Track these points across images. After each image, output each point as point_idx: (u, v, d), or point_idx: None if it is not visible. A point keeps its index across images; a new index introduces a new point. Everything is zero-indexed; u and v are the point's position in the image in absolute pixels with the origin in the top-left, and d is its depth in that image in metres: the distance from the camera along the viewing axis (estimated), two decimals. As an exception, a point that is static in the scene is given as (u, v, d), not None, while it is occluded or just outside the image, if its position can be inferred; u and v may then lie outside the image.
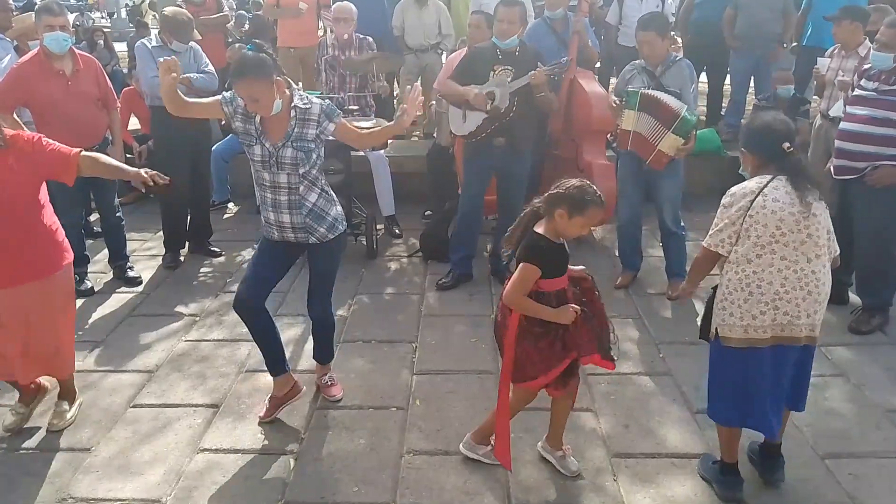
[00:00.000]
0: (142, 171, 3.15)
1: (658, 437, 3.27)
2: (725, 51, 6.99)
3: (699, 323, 2.95)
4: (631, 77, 4.52)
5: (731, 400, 2.82)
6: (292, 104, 3.04)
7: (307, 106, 3.06)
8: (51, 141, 3.09)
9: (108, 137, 4.69)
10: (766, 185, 2.62)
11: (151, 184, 3.13)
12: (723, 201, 2.71)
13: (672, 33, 4.56)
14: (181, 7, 7.16)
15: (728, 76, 7.43)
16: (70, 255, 3.26)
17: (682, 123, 4.13)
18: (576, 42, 5.22)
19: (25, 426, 3.33)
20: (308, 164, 3.07)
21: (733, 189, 2.70)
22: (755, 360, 2.73)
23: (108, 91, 4.60)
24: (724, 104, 7.61)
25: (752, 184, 2.66)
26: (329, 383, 3.59)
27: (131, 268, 5.00)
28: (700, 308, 4.41)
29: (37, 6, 4.50)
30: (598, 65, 7.50)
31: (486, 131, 4.50)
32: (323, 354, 3.60)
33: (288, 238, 3.21)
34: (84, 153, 3.11)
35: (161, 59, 2.97)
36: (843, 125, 4.13)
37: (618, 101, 4.47)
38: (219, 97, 3.14)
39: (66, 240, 3.26)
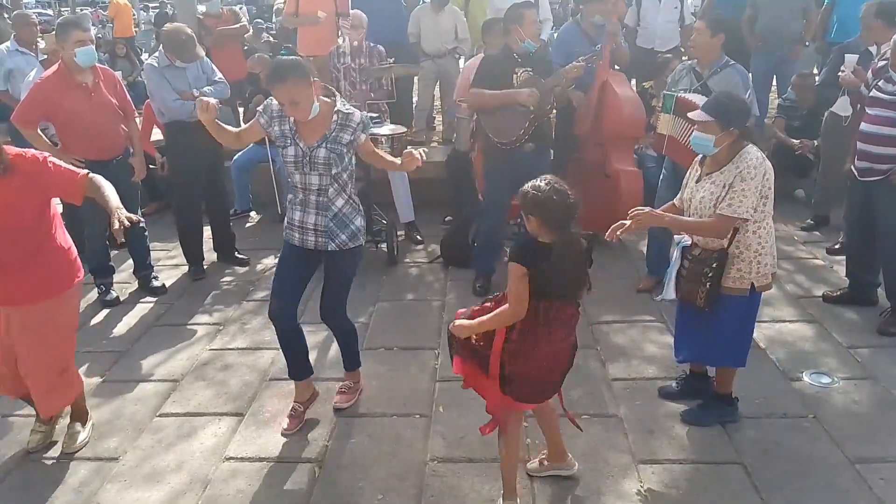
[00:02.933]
0: (121, 213, 2.89)
1: (684, 443, 3.24)
2: (746, 51, 6.92)
3: (705, 295, 3.07)
4: (680, 77, 4.45)
5: (748, 342, 3.25)
6: (335, 108, 3.09)
7: (349, 112, 3.12)
8: (58, 161, 3.00)
9: (130, 149, 4.73)
10: (759, 152, 2.99)
11: (118, 227, 2.83)
12: (743, 175, 2.92)
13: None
14: (198, 17, 7.25)
15: (750, 76, 7.35)
16: (81, 273, 3.20)
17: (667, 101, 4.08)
18: (609, 45, 5.17)
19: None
20: (340, 165, 3.11)
21: (749, 163, 2.94)
22: (759, 299, 3.19)
23: (126, 102, 4.65)
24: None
25: (756, 153, 2.97)
26: (342, 390, 3.59)
27: (156, 277, 5.06)
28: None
29: (61, 21, 4.55)
30: (615, 67, 7.48)
31: (528, 133, 4.42)
32: (347, 361, 3.62)
33: (307, 242, 3.22)
34: (92, 176, 3.03)
35: (196, 98, 3.14)
36: (863, 127, 4.07)
37: (655, 104, 4.43)
38: (253, 120, 3.24)
39: (78, 258, 3.20)
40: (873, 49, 5.00)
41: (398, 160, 3.29)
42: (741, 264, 3.05)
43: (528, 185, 2.59)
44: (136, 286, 5.07)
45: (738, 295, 3.08)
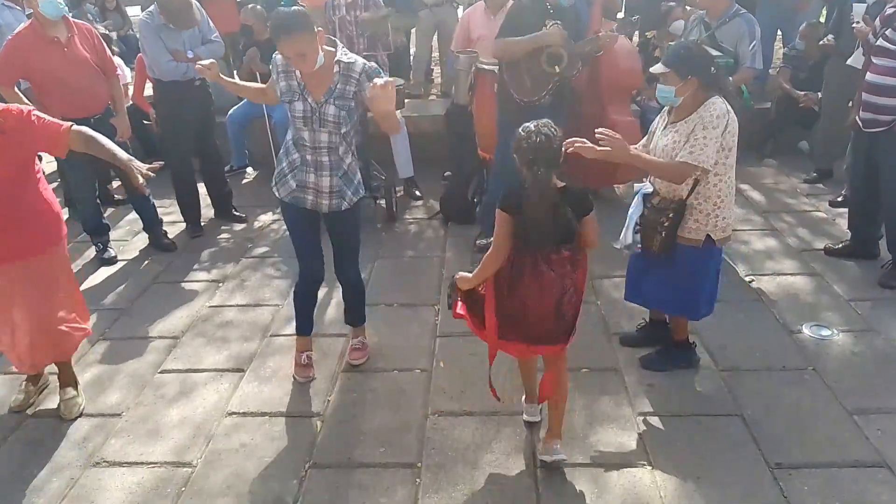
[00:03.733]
0: (135, 164, 2.89)
1: (684, 396, 3.25)
2: (752, 1, 6.76)
3: (659, 242, 3.11)
4: (691, 29, 4.39)
5: (709, 294, 3.28)
6: (336, 58, 2.95)
7: (351, 61, 2.97)
8: (41, 115, 2.90)
9: (112, 108, 4.59)
10: (726, 105, 2.95)
11: (141, 180, 2.87)
12: (704, 123, 2.92)
13: None
14: None
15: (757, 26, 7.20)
16: (64, 230, 3.14)
17: None
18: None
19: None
20: (349, 123, 3.02)
21: (712, 112, 2.92)
22: (719, 253, 3.23)
23: (105, 58, 4.50)
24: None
25: (720, 104, 2.95)
26: (356, 346, 3.59)
27: (166, 233, 5.04)
28: (735, 260, 4.37)
29: None
30: (620, 14, 7.32)
31: (548, 92, 4.28)
32: (356, 317, 3.61)
33: (321, 206, 3.15)
34: (76, 128, 2.90)
35: (194, 63, 3.09)
36: (868, 77, 3.99)
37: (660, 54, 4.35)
38: (271, 80, 3.13)
39: (61, 215, 3.13)
40: None
41: (392, 121, 3.01)
42: (699, 216, 3.07)
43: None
44: (134, 244, 5.05)
45: (693, 246, 3.10)
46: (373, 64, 3.01)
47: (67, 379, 3.34)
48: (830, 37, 5.40)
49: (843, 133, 5.04)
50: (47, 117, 2.93)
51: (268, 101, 3.34)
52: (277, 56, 3.01)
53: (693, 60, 2.96)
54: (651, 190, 3.20)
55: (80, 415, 3.26)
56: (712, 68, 3.01)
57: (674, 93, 2.98)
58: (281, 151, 3.20)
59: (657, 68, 3.01)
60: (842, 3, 5.33)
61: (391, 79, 2.85)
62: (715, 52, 4.07)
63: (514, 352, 2.85)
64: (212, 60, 3.11)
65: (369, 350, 3.62)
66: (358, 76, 2.95)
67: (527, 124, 2.62)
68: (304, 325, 3.51)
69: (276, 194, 3.21)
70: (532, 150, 2.54)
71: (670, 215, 3.06)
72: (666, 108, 3.19)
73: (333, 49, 2.97)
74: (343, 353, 3.64)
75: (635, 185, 3.32)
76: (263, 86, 3.28)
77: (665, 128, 3.13)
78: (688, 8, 4.57)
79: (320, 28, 2.87)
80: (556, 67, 4.16)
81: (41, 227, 3.02)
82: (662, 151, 3.06)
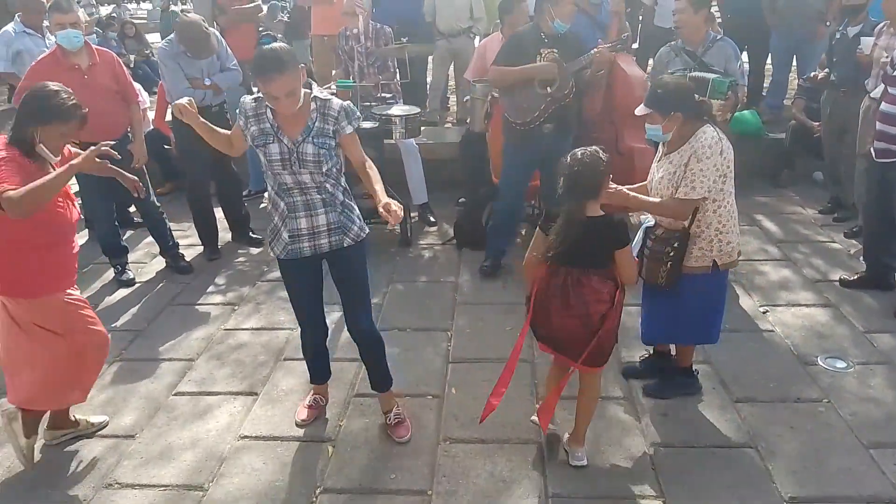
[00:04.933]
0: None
1: (698, 426, 3.23)
2: (766, 30, 6.81)
3: (665, 274, 3.10)
4: (669, 60, 4.43)
5: (719, 319, 3.27)
6: (312, 95, 2.79)
7: (327, 99, 2.81)
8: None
9: (129, 135, 4.66)
10: (717, 132, 2.99)
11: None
12: (698, 155, 2.94)
13: (713, 9, 4.45)
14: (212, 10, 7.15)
15: (769, 56, 7.24)
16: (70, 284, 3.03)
17: (714, 85, 4.05)
18: (616, 24, 5.12)
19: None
20: (330, 161, 2.80)
21: (703, 142, 2.94)
22: (725, 277, 3.21)
23: (126, 85, 4.60)
24: (765, 84, 7.43)
25: (711, 133, 2.98)
26: (396, 420, 3.22)
27: (182, 256, 5.10)
28: (740, 294, 4.35)
29: (50, 3, 4.50)
30: (635, 45, 7.39)
31: (544, 116, 4.36)
32: (381, 379, 3.26)
33: (321, 247, 2.92)
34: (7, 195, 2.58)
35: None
36: (882, 107, 4.01)
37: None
38: (235, 126, 2.92)
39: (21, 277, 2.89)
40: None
41: (378, 195, 2.74)
42: (702, 243, 3.08)
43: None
44: (152, 266, 5.11)
45: (700, 273, 3.10)
46: (349, 103, 2.83)
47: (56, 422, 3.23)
48: (826, 70, 5.43)
49: (845, 161, 5.16)
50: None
51: (234, 152, 3.08)
52: (246, 99, 2.83)
53: (671, 96, 2.98)
54: (653, 223, 3.20)
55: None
56: (696, 97, 3.07)
57: (661, 131, 3.01)
58: (269, 206, 2.98)
59: (640, 110, 3.05)
60: (833, 35, 5.38)
61: (398, 206, 2.60)
62: (708, 75, 4.13)
63: (545, 349, 3.01)
64: (189, 99, 2.88)
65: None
66: (336, 115, 2.77)
67: (576, 150, 2.78)
68: (316, 375, 3.38)
69: (272, 253, 3.03)
70: (571, 177, 2.70)
71: (675, 245, 3.06)
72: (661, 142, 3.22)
73: (308, 89, 2.81)
74: (355, 379, 3.64)
75: (641, 217, 3.33)
76: (230, 132, 3.00)
77: (660, 160, 3.16)
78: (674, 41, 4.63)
79: (303, 65, 2.73)
80: (548, 89, 4.27)
81: (56, 268, 2.94)
82: (659, 184, 3.09)
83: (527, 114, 4.38)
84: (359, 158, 2.87)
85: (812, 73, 5.97)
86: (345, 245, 2.95)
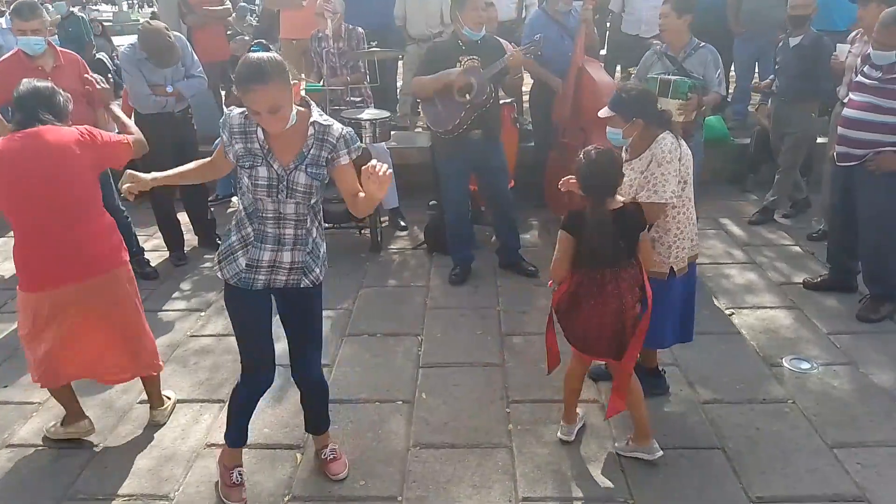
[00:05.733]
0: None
1: (666, 428, 3.25)
2: (729, 36, 6.93)
3: None
4: (652, 63, 4.51)
5: (670, 323, 3.26)
6: (311, 119, 2.52)
7: (328, 124, 2.54)
8: (101, 131, 3.08)
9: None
10: (676, 139, 3.04)
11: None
12: (658, 160, 2.99)
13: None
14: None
15: (732, 63, 7.36)
16: (127, 255, 3.23)
17: (675, 86, 4.11)
18: (583, 31, 5.17)
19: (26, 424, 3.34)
20: (320, 193, 2.59)
21: (663, 148, 2.99)
22: (679, 283, 3.21)
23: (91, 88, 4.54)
24: (729, 91, 7.55)
25: (670, 139, 3.02)
26: (331, 457, 3.00)
27: (148, 261, 5.01)
28: (706, 298, 4.40)
29: (12, 7, 4.40)
30: (603, 52, 7.46)
31: (466, 123, 4.40)
32: (319, 423, 3.04)
33: (276, 282, 2.63)
34: (135, 138, 3.23)
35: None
36: (844, 112, 4.10)
37: None
38: (217, 148, 2.69)
39: (121, 238, 3.22)
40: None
41: (367, 196, 2.52)
42: (661, 248, 3.13)
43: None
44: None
45: (658, 278, 3.12)
46: (350, 130, 2.59)
47: (153, 401, 3.39)
48: (771, 77, 5.56)
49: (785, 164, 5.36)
50: (107, 134, 3.11)
51: (216, 174, 2.84)
52: (233, 113, 2.55)
53: (635, 103, 3.04)
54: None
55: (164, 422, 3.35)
56: (658, 106, 3.15)
57: (621, 135, 3.07)
58: (232, 223, 2.68)
59: (603, 112, 3.10)
60: (777, 44, 5.51)
61: (389, 170, 2.37)
62: (675, 77, 4.20)
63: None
64: (131, 172, 2.76)
65: (349, 380, 3.59)
66: (335, 141, 2.51)
67: (588, 149, 2.84)
68: (239, 436, 2.90)
69: (219, 275, 2.68)
70: (591, 177, 2.79)
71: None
72: (623, 148, 3.25)
73: (307, 108, 2.54)
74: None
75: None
76: (207, 160, 2.81)
77: (623, 166, 3.19)
78: (655, 44, 4.69)
79: (296, 80, 2.50)
80: (467, 96, 4.32)
81: (103, 248, 3.07)
82: (621, 190, 3.10)
83: (448, 122, 4.43)
84: (352, 189, 2.59)
85: (754, 82, 6.13)
86: (301, 286, 2.66)
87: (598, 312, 2.82)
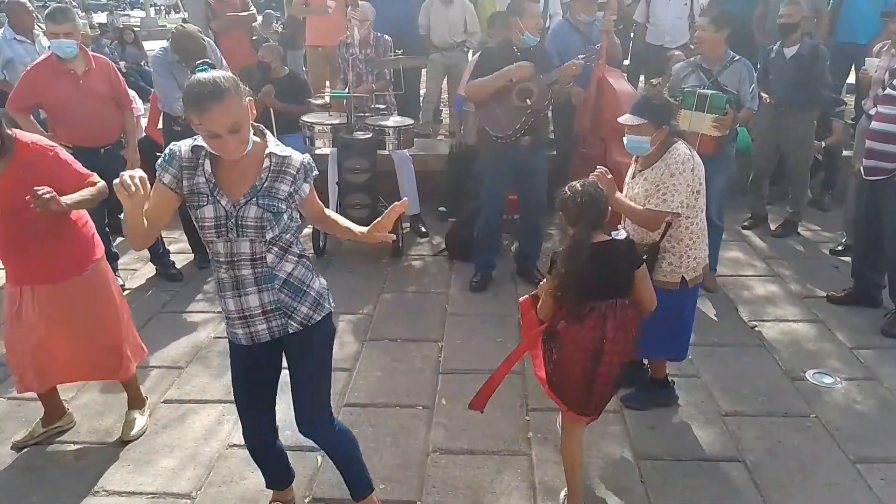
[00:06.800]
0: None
1: (686, 439, 3.24)
2: (754, 48, 6.89)
3: None
4: (686, 75, 4.49)
5: (688, 334, 3.30)
6: (267, 150, 2.25)
7: (286, 154, 2.28)
8: (64, 156, 2.98)
9: (123, 140, 4.69)
10: (688, 149, 3.06)
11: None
12: (672, 170, 3.00)
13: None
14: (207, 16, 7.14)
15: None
16: (101, 251, 3.21)
17: (712, 101, 4.11)
18: (605, 41, 5.19)
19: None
20: (278, 227, 2.25)
21: (677, 158, 3.01)
22: (695, 293, 3.27)
23: (121, 91, 4.62)
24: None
25: (683, 149, 3.05)
26: None
27: (173, 263, 5.08)
28: (728, 309, 4.38)
29: (46, 12, 4.50)
30: (626, 62, 7.46)
31: (524, 128, 4.40)
32: (358, 484, 2.71)
33: (259, 335, 2.34)
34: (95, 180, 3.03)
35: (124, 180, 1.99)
36: (873, 125, 4.07)
37: (673, 101, 4.42)
38: (155, 185, 2.21)
39: (89, 241, 3.16)
40: None
41: (357, 228, 2.51)
42: (672, 258, 3.13)
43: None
44: (142, 272, 5.09)
45: (669, 288, 3.13)
46: (309, 157, 2.35)
47: (133, 401, 3.42)
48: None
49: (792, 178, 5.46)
50: (71, 161, 3.01)
51: (165, 205, 2.26)
52: (181, 146, 2.25)
53: (665, 110, 3.06)
54: (624, 236, 3.19)
55: (138, 437, 3.30)
56: (689, 120, 3.23)
57: (648, 143, 3.04)
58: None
59: (628, 119, 3.05)
60: (765, 56, 5.46)
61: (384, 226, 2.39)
62: (711, 91, 4.20)
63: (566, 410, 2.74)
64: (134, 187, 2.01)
65: (369, 385, 3.61)
66: (296, 172, 2.28)
67: (573, 183, 2.63)
68: (270, 480, 2.76)
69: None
70: (576, 210, 2.56)
71: (644, 257, 3.01)
72: (634, 157, 3.25)
73: (261, 139, 2.29)
74: (344, 389, 3.64)
75: (612, 233, 3.32)
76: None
77: (634, 177, 3.20)
78: (691, 57, 4.70)
79: (250, 98, 2.21)
80: (528, 101, 4.31)
81: (65, 253, 3.05)
82: (634, 201, 3.13)
83: (508, 126, 4.42)
84: (318, 211, 2.47)
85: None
86: (289, 331, 2.36)
87: (573, 349, 2.58)
